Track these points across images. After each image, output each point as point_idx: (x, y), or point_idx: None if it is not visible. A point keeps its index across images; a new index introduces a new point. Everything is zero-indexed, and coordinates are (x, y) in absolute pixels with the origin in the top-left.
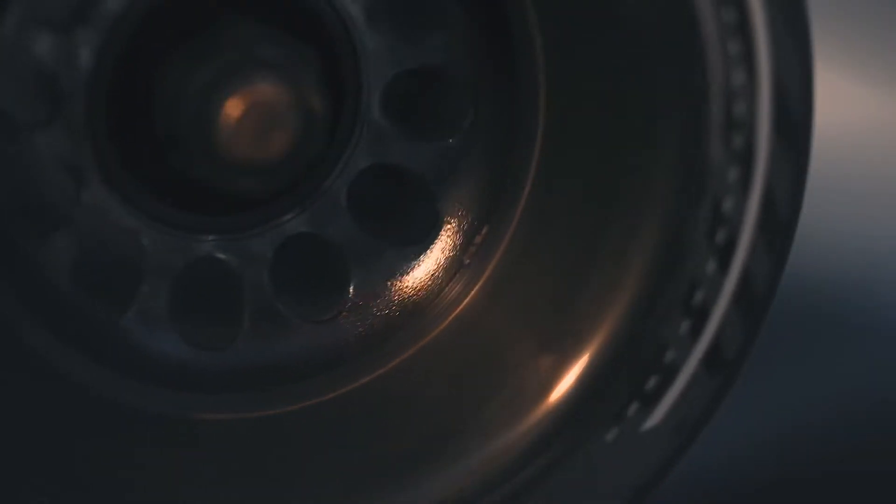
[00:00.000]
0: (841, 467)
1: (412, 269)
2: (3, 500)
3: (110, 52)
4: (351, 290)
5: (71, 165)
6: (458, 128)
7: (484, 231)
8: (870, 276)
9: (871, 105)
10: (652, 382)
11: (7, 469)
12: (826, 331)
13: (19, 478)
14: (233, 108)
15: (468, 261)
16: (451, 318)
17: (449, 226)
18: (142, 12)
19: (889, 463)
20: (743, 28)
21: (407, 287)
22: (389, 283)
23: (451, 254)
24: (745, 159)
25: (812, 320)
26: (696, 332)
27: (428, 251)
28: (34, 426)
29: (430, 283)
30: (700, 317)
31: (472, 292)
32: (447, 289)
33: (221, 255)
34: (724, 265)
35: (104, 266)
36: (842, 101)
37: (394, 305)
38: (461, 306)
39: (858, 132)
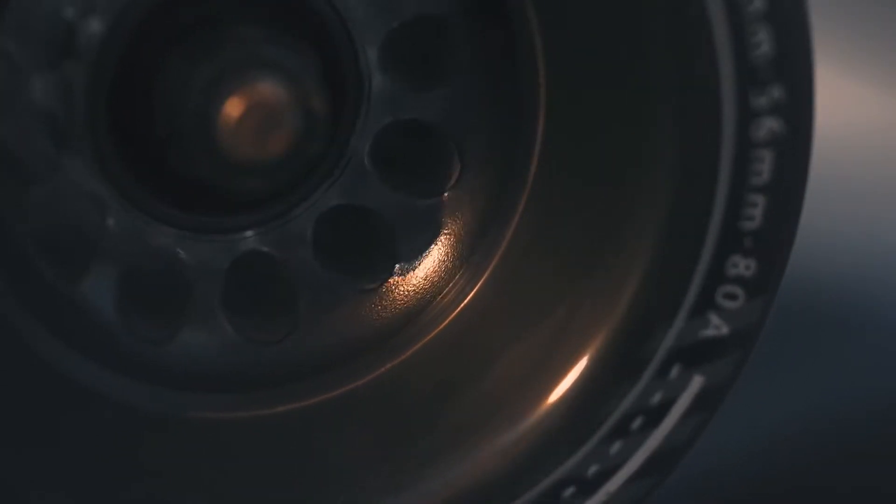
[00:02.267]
0: (841, 468)
1: (414, 268)
2: (1, 499)
3: (110, 51)
4: (396, 256)
5: (93, 198)
6: (458, 72)
7: (485, 230)
8: (870, 276)
9: (871, 105)
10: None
11: (6, 468)
12: (826, 331)
13: (18, 476)
14: (233, 107)
15: (468, 261)
16: (451, 317)
17: (450, 225)
18: (142, 12)
19: (890, 464)
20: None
21: (407, 287)
22: (390, 283)
23: (452, 253)
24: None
25: (812, 320)
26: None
27: (429, 250)
28: (33, 425)
29: (431, 282)
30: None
31: (472, 292)
32: (447, 289)
33: (264, 248)
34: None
35: (149, 286)
36: (842, 101)
37: (394, 305)
38: (461, 306)
39: (859, 132)
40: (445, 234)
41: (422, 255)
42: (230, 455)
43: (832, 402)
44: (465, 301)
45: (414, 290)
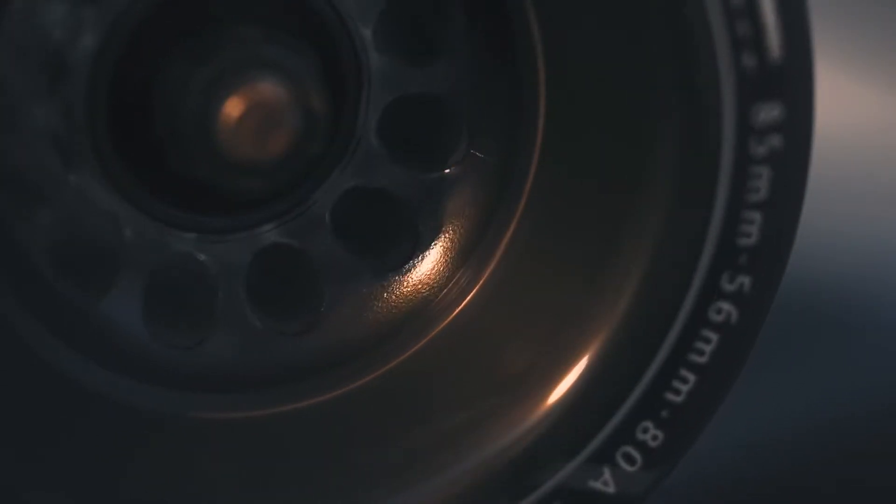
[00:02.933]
0: (841, 469)
1: (412, 269)
2: (1, 499)
3: (110, 51)
4: (323, 304)
5: (61, 147)
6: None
7: (484, 231)
8: (870, 276)
9: (871, 105)
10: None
11: (6, 468)
12: (826, 331)
13: (18, 476)
14: (233, 107)
15: (468, 261)
16: (450, 318)
17: (450, 225)
18: (142, 11)
19: (890, 464)
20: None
21: (407, 287)
22: (389, 283)
23: (451, 254)
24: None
25: (812, 320)
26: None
27: (428, 251)
28: (33, 425)
29: (430, 283)
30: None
31: (472, 293)
32: (447, 290)
33: (200, 256)
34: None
35: (85, 250)
36: (842, 101)
37: (394, 306)
38: (460, 307)
39: (859, 132)
40: (445, 234)
41: (421, 255)
42: (230, 455)
43: (832, 402)
44: (465, 302)
45: (413, 290)
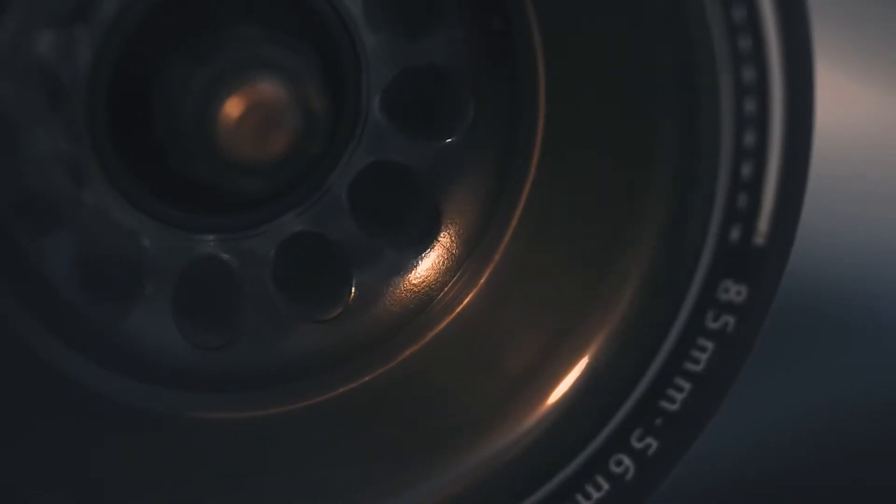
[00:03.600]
0: (841, 469)
1: (412, 268)
2: (1, 499)
3: (110, 51)
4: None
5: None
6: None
7: (484, 231)
8: (870, 276)
9: (871, 105)
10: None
11: (6, 468)
12: (826, 331)
13: (18, 476)
14: (233, 107)
15: (468, 261)
16: (450, 318)
17: (449, 225)
18: (142, 11)
19: (890, 464)
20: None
21: (406, 287)
22: (389, 283)
23: (451, 254)
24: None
25: (812, 320)
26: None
27: (428, 251)
28: (33, 426)
29: (430, 283)
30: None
31: (473, 292)
32: (447, 289)
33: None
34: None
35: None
36: (842, 101)
37: (393, 305)
38: (461, 306)
39: (859, 132)
40: (446, 233)
41: (421, 255)
42: (230, 455)
43: (832, 402)
44: (466, 300)
45: (412, 290)
